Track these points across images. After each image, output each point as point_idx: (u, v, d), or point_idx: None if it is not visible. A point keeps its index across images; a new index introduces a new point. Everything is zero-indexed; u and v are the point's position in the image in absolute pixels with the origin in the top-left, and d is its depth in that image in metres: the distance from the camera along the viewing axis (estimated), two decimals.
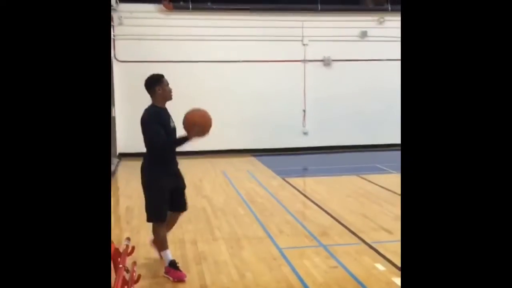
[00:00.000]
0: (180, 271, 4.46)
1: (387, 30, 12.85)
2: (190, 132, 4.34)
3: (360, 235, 5.61)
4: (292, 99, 12.87)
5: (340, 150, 12.99)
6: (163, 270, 4.52)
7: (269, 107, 12.67)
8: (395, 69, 12.84)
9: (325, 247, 5.21)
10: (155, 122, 4.39)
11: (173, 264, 4.48)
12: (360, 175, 9.37)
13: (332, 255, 4.94)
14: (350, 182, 8.81)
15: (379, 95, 13.05)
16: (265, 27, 12.45)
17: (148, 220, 4.54)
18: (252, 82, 12.57)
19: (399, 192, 7.78)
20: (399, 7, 12.68)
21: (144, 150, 4.69)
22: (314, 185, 8.82)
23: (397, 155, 12.71)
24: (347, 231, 5.81)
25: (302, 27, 12.74)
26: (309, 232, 5.79)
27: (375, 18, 13.02)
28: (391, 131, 13.02)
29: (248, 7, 12.46)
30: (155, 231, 4.56)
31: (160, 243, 4.57)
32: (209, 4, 12.29)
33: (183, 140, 4.44)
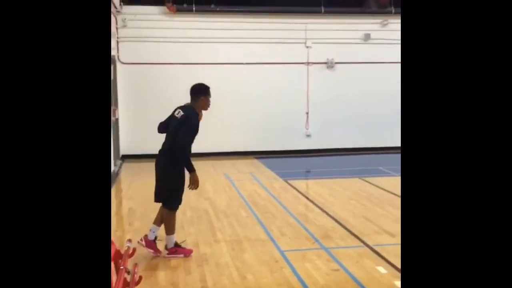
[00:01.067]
0: (188, 249, 5.13)
1: (391, 32, 12.84)
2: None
3: (362, 238, 5.60)
4: (295, 102, 12.87)
5: (343, 152, 12.97)
6: (166, 253, 5.08)
7: (272, 109, 12.67)
8: (398, 71, 12.82)
9: (327, 250, 5.20)
10: (194, 129, 4.89)
11: (178, 244, 5.10)
12: (363, 178, 9.36)
13: (334, 258, 4.94)
14: (352, 185, 8.80)
15: (382, 98, 13.03)
16: (268, 29, 12.46)
17: (169, 207, 5.04)
18: (255, 84, 12.57)
19: None
20: None
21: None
22: (316, 187, 8.81)
23: (399, 158, 12.74)
24: (349, 233, 5.80)
25: (306, 30, 12.74)
26: (311, 234, 5.78)
27: (379, 20, 13.01)
28: (394, 134, 12.97)
29: (252, 9, 12.48)
30: (170, 217, 5.07)
31: (171, 227, 5.08)
32: (212, 6, 12.31)
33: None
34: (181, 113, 4.97)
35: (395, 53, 12.77)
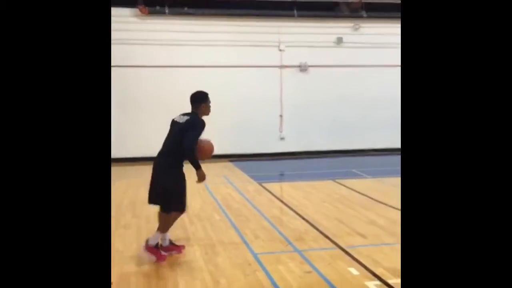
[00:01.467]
0: (163, 254, 5.01)
1: (363, 36, 13.03)
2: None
3: (334, 239, 5.65)
4: (269, 105, 12.92)
5: (316, 155, 13.07)
6: (144, 248, 4.96)
7: (246, 113, 12.68)
8: (370, 75, 13.05)
9: (300, 252, 5.22)
10: (199, 132, 4.99)
11: (157, 246, 5.01)
12: (336, 180, 9.44)
13: (307, 260, 4.96)
14: (326, 187, 8.87)
15: (355, 101, 13.20)
16: (242, 32, 12.48)
17: (173, 210, 5.02)
18: (229, 87, 12.56)
19: (374, 196, 7.87)
20: (374, 14, 12.86)
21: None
22: (290, 190, 8.85)
23: (372, 160, 12.87)
24: (322, 236, 5.84)
25: (279, 33, 12.81)
26: (284, 237, 5.80)
27: (351, 24, 13.17)
28: (366, 136, 13.19)
29: (225, 12, 12.48)
30: (169, 217, 5.02)
31: (166, 227, 5.07)
32: (185, 9, 12.26)
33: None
34: (185, 118, 5.08)
35: (367, 56, 12.99)
